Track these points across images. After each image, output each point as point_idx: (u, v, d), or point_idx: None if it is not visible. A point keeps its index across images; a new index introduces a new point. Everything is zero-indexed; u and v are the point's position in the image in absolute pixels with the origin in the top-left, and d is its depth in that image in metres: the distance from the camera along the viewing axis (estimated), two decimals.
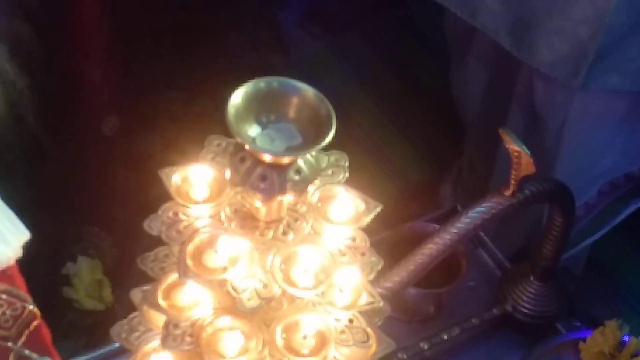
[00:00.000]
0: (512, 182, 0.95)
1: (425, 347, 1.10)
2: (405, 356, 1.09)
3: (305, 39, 2.08)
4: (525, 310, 1.14)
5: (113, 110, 1.28)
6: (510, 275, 1.17)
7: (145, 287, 0.88)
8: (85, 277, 1.34)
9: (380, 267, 0.84)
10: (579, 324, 1.16)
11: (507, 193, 0.96)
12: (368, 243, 0.80)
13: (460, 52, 1.62)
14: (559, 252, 1.10)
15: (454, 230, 0.97)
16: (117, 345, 1.15)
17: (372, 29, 2.16)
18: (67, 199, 1.23)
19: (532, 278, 1.14)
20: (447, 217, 1.06)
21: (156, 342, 0.89)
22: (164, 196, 0.86)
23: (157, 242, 0.90)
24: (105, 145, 1.31)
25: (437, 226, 1.07)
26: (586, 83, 1.31)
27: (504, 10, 1.36)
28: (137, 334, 0.89)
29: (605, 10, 1.24)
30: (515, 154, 0.92)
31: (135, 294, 0.90)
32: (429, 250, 0.98)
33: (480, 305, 1.18)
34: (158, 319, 0.89)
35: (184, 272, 0.77)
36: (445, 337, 1.11)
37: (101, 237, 1.38)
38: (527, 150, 0.92)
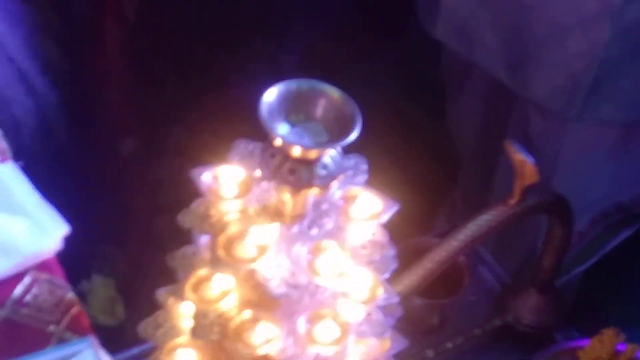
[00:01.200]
0: (517, 191, 1.01)
1: (431, 355, 1.15)
2: None
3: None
4: (526, 321, 1.20)
5: (130, 132, 1.34)
6: (511, 287, 1.23)
7: (170, 287, 0.94)
8: (99, 294, 1.39)
9: (394, 266, 0.90)
10: (576, 335, 1.22)
11: (512, 202, 1.02)
12: (387, 238, 0.86)
13: (457, 87, 1.69)
14: (558, 263, 1.15)
15: (461, 237, 1.03)
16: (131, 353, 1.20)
17: (368, 70, 2.24)
18: (84, 216, 1.28)
19: (532, 290, 1.19)
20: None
21: (181, 339, 0.94)
22: (174, 221, 0.92)
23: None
24: (122, 165, 1.36)
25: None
26: (581, 114, 1.38)
27: (501, 47, 1.43)
28: (163, 330, 0.94)
29: (599, 44, 1.31)
30: (520, 163, 0.98)
31: (161, 294, 0.95)
32: (438, 256, 1.04)
33: (482, 318, 1.23)
34: (183, 316, 0.94)
35: (216, 262, 0.82)
36: (450, 345, 1.16)
37: (115, 256, 1.42)
38: (531, 159, 0.98)
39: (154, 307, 0.97)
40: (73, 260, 1.37)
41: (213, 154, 0.90)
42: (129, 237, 1.46)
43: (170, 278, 0.94)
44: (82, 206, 1.32)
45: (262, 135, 0.85)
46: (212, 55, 1.59)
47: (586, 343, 1.14)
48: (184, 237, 0.93)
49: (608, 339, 1.11)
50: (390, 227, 0.89)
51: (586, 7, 1.28)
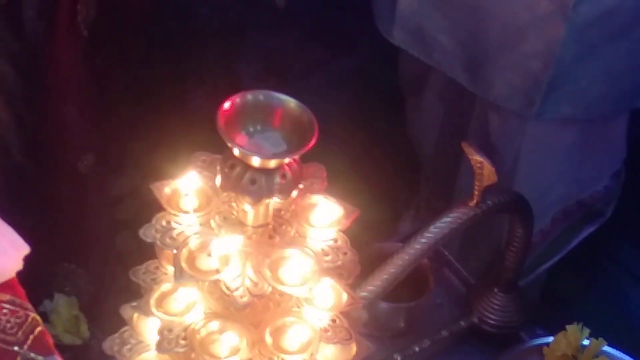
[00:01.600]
0: (476, 192, 1.02)
1: (398, 358, 1.16)
2: None
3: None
4: (491, 321, 1.21)
5: (88, 149, 1.33)
6: (475, 288, 1.24)
7: (134, 303, 0.93)
8: (62, 314, 1.37)
9: (357, 271, 0.90)
10: (541, 332, 1.23)
11: (471, 203, 1.03)
12: (349, 244, 0.86)
13: (416, 92, 1.70)
14: (521, 263, 1.16)
15: (423, 240, 1.04)
16: None
17: (325, 80, 2.24)
18: (44, 236, 1.27)
19: (496, 290, 1.20)
20: None
21: (147, 354, 0.94)
22: (136, 237, 0.91)
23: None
24: (82, 183, 1.35)
25: None
26: (540, 113, 1.39)
27: (458, 49, 1.44)
28: (129, 346, 0.94)
29: (555, 43, 1.32)
30: (478, 164, 0.99)
31: (125, 310, 0.95)
32: (401, 260, 1.05)
33: (448, 321, 1.24)
34: (148, 331, 0.93)
35: (180, 275, 0.82)
36: (417, 348, 1.17)
37: (77, 274, 1.41)
38: (488, 161, 0.99)
39: (118, 324, 0.96)
40: (34, 280, 1.35)
41: (173, 167, 0.90)
42: (90, 255, 1.44)
43: (134, 294, 0.94)
44: (42, 225, 1.31)
45: (221, 146, 0.85)
46: (169, 68, 1.59)
47: (551, 340, 1.15)
48: (146, 253, 0.93)
49: (572, 335, 1.13)
50: (354, 234, 0.90)
51: (540, 7, 1.30)
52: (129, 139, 1.45)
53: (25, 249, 0.81)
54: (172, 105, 1.57)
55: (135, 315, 0.93)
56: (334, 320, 0.88)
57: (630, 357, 1.15)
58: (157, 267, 0.91)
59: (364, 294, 1.05)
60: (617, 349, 1.15)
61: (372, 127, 2.15)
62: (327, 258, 0.85)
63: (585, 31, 1.31)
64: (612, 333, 1.17)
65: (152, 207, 0.90)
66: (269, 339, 0.85)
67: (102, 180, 1.41)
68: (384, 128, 2.13)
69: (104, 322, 1.45)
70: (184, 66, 1.66)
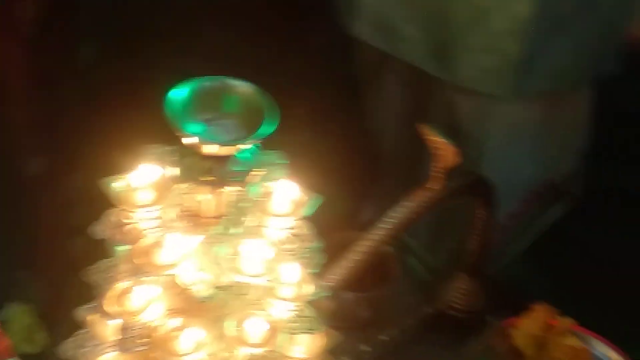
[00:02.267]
0: (434, 174, 1.00)
1: (366, 348, 1.14)
2: (347, 359, 1.12)
3: None
4: (457, 306, 1.19)
5: (35, 152, 1.29)
6: (439, 274, 1.23)
7: (89, 304, 0.90)
8: (17, 323, 1.33)
9: (322, 260, 0.88)
10: (509, 314, 1.22)
11: (431, 187, 1.02)
12: (312, 231, 0.84)
13: (374, 80, 1.68)
14: (484, 245, 1.15)
15: (385, 226, 1.02)
16: None
17: (281, 70, 2.22)
18: None
19: (460, 274, 1.19)
20: None
21: (106, 356, 0.90)
22: (90, 242, 0.89)
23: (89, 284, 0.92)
24: (32, 187, 1.32)
25: None
26: (515, 92, 1.38)
27: (423, 36, 1.43)
28: (85, 349, 0.90)
29: (524, 20, 1.31)
30: (435, 145, 0.98)
31: (80, 312, 0.91)
32: (364, 247, 1.03)
33: (414, 308, 1.22)
34: (105, 333, 0.90)
35: (134, 272, 0.79)
36: (384, 337, 1.15)
37: (31, 282, 1.37)
38: (450, 141, 0.97)
39: (76, 330, 0.93)
40: None
41: (124, 164, 0.87)
42: (44, 261, 1.41)
43: (91, 299, 0.90)
44: None
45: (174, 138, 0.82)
46: (120, 66, 1.55)
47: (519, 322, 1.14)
48: (101, 257, 0.89)
49: (539, 314, 1.12)
50: (316, 225, 0.88)
51: None
52: (81, 141, 1.41)
53: None
54: (124, 104, 1.53)
55: (91, 316, 0.90)
56: (299, 311, 0.86)
57: (598, 336, 1.14)
58: (110, 266, 0.87)
59: (327, 283, 1.03)
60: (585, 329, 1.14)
61: (330, 120, 2.14)
62: (288, 246, 0.82)
63: (552, 5, 1.30)
64: (582, 316, 1.16)
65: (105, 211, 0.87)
66: (231, 332, 0.83)
67: (53, 184, 1.37)
68: (342, 120, 2.11)
69: (62, 329, 1.41)
70: (135, 64, 1.63)
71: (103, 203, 0.88)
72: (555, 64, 1.37)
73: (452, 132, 1.47)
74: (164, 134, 0.84)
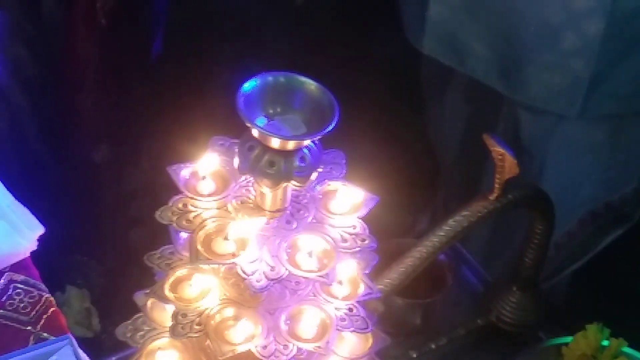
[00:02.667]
0: (497, 185, 1.00)
1: (414, 355, 1.14)
2: None
3: None
4: (509, 320, 1.19)
5: (104, 140, 1.32)
6: (493, 286, 1.22)
7: (148, 290, 0.92)
8: (74, 306, 1.36)
9: (376, 260, 0.89)
10: (561, 331, 1.21)
11: (492, 197, 1.02)
12: (367, 231, 0.84)
13: (438, 93, 1.68)
14: (541, 260, 1.14)
15: (441, 233, 1.02)
16: None
17: (348, 78, 2.23)
18: (57, 226, 1.26)
19: (514, 288, 1.18)
20: None
21: (161, 341, 0.92)
22: (149, 233, 0.90)
23: (144, 272, 0.94)
24: (96, 174, 1.35)
25: None
26: (583, 111, 1.37)
27: (492, 53, 1.42)
28: (142, 332, 0.92)
29: (595, 39, 1.30)
30: (500, 157, 0.98)
31: (139, 297, 0.94)
32: (419, 252, 1.03)
33: (465, 318, 1.22)
34: (162, 318, 0.92)
35: (196, 257, 0.80)
36: (433, 346, 1.15)
37: (89, 267, 1.40)
38: (510, 152, 0.97)
39: (130, 317, 0.95)
40: (46, 272, 1.35)
41: (190, 152, 0.89)
42: (103, 248, 1.44)
43: (146, 288, 0.92)
44: (55, 215, 1.30)
45: (239, 134, 0.84)
46: (186, 64, 1.58)
47: (570, 340, 1.13)
48: (159, 248, 0.91)
49: (592, 335, 1.11)
50: (374, 231, 0.88)
51: (576, 4, 1.28)
52: (145, 133, 1.44)
53: (39, 229, 0.80)
54: (189, 102, 1.56)
55: (149, 301, 0.92)
56: (350, 309, 0.86)
57: None
58: (172, 253, 0.89)
59: (380, 286, 1.03)
60: (637, 350, 1.13)
61: (392, 130, 2.14)
62: (345, 244, 0.83)
63: (625, 25, 1.29)
64: (633, 337, 1.15)
65: (165, 203, 0.89)
66: (284, 326, 0.84)
67: (117, 173, 1.40)
68: (404, 130, 2.12)
69: (116, 315, 1.43)
70: (201, 62, 1.65)
71: (164, 195, 0.90)
72: (623, 86, 1.35)
73: (514, 146, 1.48)
74: (231, 126, 0.86)
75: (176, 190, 0.85)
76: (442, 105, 1.68)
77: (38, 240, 0.91)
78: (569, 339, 1.13)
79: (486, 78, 1.46)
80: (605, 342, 1.12)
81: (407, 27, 1.58)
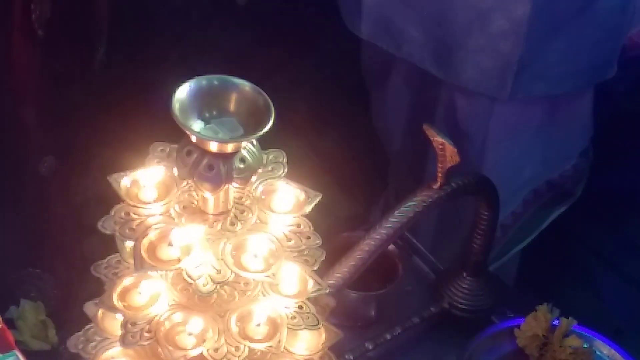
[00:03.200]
0: (439, 174, 1.01)
1: (370, 347, 1.15)
2: (351, 357, 1.13)
3: None
4: (461, 306, 1.20)
5: (49, 151, 1.31)
6: (444, 273, 1.23)
7: (97, 300, 0.92)
8: (29, 319, 1.35)
9: (323, 257, 0.89)
10: (512, 315, 1.22)
11: (435, 186, 1.03)
12: (312, 228, 0.85)
13: (379, 84, 1.70)
14: (488, 245, 1.16)
15: (389, 225, 1.03)
16: None
17: (288, 77, 2.24)
18: (8, 240, 1.25)
19: (464, 274, 1.20)
20: None
21: (113, 350, 0.92)
22: (103, 242, 0.90)
23: (99, 282, 0.94)
24: (44, 186, 1.34)
25: None
26: (513, 93, 1.40)
27: (426, 38, 1.44)
28: (94, 343, 0.92)
29: (522, 21, 1.33)
30: (440, 146, 0.99)
31: (89, 307, 0.93)
32: (367, 245, 1.04)
33: (419, 307, 1.23)
34: (113, 328, 0.92)
35: (140, 265, 0.80)
36: (388, 336, 1.16)
37: (43, 279, 1.39)
38: (450, 142, 0.99)
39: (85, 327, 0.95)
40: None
41: (133, 162, 0.89)
42: (56, 259, 1.42)
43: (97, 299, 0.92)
44: (5, 230, 1.29)
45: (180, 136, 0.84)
46: (129, 70, 1.57)
47: (521, 322, 1.15)
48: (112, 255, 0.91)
49: (542, 315, 1.13)
50: (324, 229, 0.89)
51: None
52: (93, 142, 1.43)
53: None
54: (134, 107, 1.55)
55: (100, 311, 0.91)
56: (300, 307, 0.87)
57: (600, 335, 1.15)
58: (118, 261, 0.89)
59: (331, 281, 1.04)
60: (587, 328, 1.15)
61: (338, 123, 2.15)
62: (290, 242, 0.84)
63: (550, 6, 1.31)
64: (582, 314, 1.17)
65: None
66: (234, 328, 0.84)
67: (66, 184, 1.39)
68: (350, 123, 2.13)
69: (73, 327, 1.42)
70: (144, 67, 1.65)
71: (114, 202, 0.90)
72: (554, 67, 1.38)
73: (453, 131, 1.49)
74: (171, 132, 0.86)
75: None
76: (385, 94, 1.69)
77: None
78: (520, 321, 1.15)
79: (421, 62, 1.48)
80: (556, 322, 1.14)
81: (344, 14, 1.59)
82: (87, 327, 0.93)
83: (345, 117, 2.07)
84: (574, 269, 1.85)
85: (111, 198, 0.91)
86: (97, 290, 0.94)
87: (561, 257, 1.83)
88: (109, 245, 0.92)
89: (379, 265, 1.14)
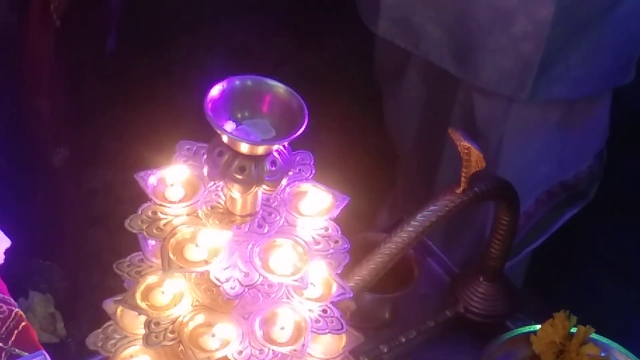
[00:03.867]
0: (463, 179, 1.00)
1: (385, 349, 1.14)
2: (366, 359, 1.13)
3: None
4: (477, 310, 1.20)
5: (62, 142, 1.30)
6: (460, 277, 1.23)
7: (118, 297, 0.90)
8: (38, 312, 1.34)
9: (347, 260, 0.89)
10: (527, 320, 1.22)
11: (458, 190, 1.02)
12: (340, 232, 0.84)
13: (393, 82, 1.69)
14: (506, 251, 1.15)
15: (410, 229, 1.02)
16: None
17: (296, 73, 2.22)
18: (18, 231, 1.24)
19: (481, 279, 1.19)
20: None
21: (132, 348, 0.91)
22: (109, 233, 0.89)
23: (110, 274, 0.93)
24: (56, 177, 1.33)
25: None
26: (533, 95, 1.39)
27: (445, 37, 1.43)
28: (113, 341, 0.91)
29: (545, 23, 1.32)
30: (466, 150, 0.98)
31: (108, 305, 0.92)
32: (388, 249, 1.03)
33: (433, 311, 1.22)
34: (133, 326, 0.91)
35: (168, 266, 0.79)
36: (403, 339, 1.16)
37: (51, 271, 1.39)
38: (476, 146, 0.98)
39: (94, 321, 0.94)
40: (8, 278, 1.33)
41: (155, 158, 0.87)
42: (65, 251, 1.42)
43: (109, 290, 0.91)
44: (15, 220, 1.28)
45: (200, 136, 0.83)
46: (140, 61, 1.56)
47: (538, 328, 1.15)
48: (119, 249, 0.90)
49: (560, 323, 1.12)
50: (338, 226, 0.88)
51: None
52: (103, 133, 1.42)
53: (5, 242, 0.78)
54: (144, 98, 1.54)
55: (119, 309, 0.90)
56: (324, 311, 0.86)
57: (616, 345, 1.14)
58: (141, 260, 0.88)
59: (351, 284, 1.03)
60: (604, 337, 1.14)
61: (346, 119, 2.14)
62: (318, 247, 0.83)
63: (573, 9, 1.31)
64: (588, 319, 1.17)
65: (125, 203, 0.87)
66: (259, 331, 0.83)
67: (77, 175, 1.38)
68: (359, 120, 2.12)
69: (80, 319, 1.42)
70: (154, 59, 1.64)
71: (124, 194, 0.89)
72: (574, 70, 1.37)
73: (469, 130, 1.48)
74: (196, 130, 0.85)
75: (138, 191, 0.84)
76: (398, 93, 1.68)
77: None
78: (536, 327, 1.14)
79: (440, 61, 1.47)
80: (573, 330, 1.13)
81: (361, 9, 1.58)
82: (106, 324, 0.92)
83: (355, 113, 2.06)
84: (583, 275, 1.84)
85: (119, 190, 0.90)
86: (104, 282, 0.93)
87: (570, 261, 1.83)
88: (116, 237, 0.91)
89: (394, 267, 1.13)
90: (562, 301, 1.17)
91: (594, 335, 1.13)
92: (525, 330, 1.15)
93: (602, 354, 1.11)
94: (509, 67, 1.37)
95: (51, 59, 1.23)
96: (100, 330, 0.92)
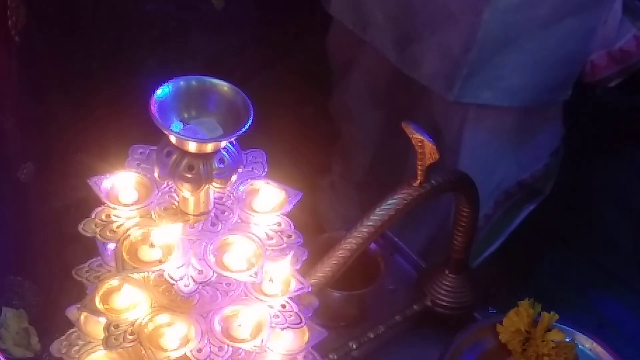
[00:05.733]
0: (419, 171, 1.01)
1: (354, 346, 1.15)
2: (335, 356, 1.14)
3: None
4: (444, 303, 1.21)
5: (28, 158, 1.31)
6: (426, 271, 1.24)
7: (79, 304, 0.91)
8: (11, 327, 1.35)
9: (305, 255, 0.90)
10: (494, 311, 1.23)
11: (415, 184, 1.03)
12: (293, 227, 0.85)
13: (344, 69, 1.70)
14: (469, 242, 1.16)
15: (370, 223, 1.03)
16: None
17: (268, 83, 2.23)
18: None
19: (447, 272, 1.20)
20: None
21: (97, 354, 0.92)
22: (84, 250, 0.90)
23: (82, 288, 0.94)
24: (23, 192, 1.33)
25: None
26: (460, 96, 1.41)
27: (391, 25, 1.45)
28: (77, 347, 0.92)
29: (478, 28, 1.34)
30: (419, 143, 0.99)
31: (71, 311, 0.93)
32: (349, 244, 1.04)
33: (402, 306, 1.23)
34: (96, 331, 0.92)
35: (122, 267, 0.80)
36: (372, 335, 1.17)
37: (24, 287, 1.39)
38: (429, 138, 0.99)
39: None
40: None
41: (112, 164, 0.88)
42: (37, 266, 1.42)
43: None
44: None
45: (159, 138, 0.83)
46: (108, 74, 1.57)
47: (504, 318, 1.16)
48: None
49: (524, 311, 1.13)
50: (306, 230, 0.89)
51: None
52: (72, 149, 1.43)
53: None
54: (113, 112, 1.55)
55: (82, 315, 0.91)
56: (283, 306, 0.87)
57: (582, 329, 1.16)
58: (100, 265, 0.89)
59: (314, 280, 1.04)
60: (569, 322, 1.15)
61: (303, 105, 2.15)
62: (272, 242, 0.84)
63: (506, 17, 1.32)
64: (563, 308, 1.18)
65: None
66: (218, 328, 0.84)
67: (45, 191, 1.39)
68: (313, 105, 2.12)
69: (55, 334, 1.42)
70: (123, 72, 1.64)
71: (94, 208, 0.90)
72: (505, 79, 1.39)
73: (430, 129, 1.50)
74: (150, 137, 0.86)
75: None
76: (347, 82, 1.69)
77: None
78: (503, 317, 1.15)
79: (383, 47, 1.49)
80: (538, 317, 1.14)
81: None
82: (69, 331, 0.93)
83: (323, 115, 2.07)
84: (553, 264, 1.86)
85: (91, 204, 0.90)
86: (79, 296, 0.93)
87: (540, 252, 1.84)
88: (90, 252, 0.92)
89: (361, 264, 1.14)
90: (535, 294, 1.18)
91: (558, 322, 1.14)
92: (492, 321, 1.16)
93: (567, 340, 1.12)
94: (441, 65, 1.38)
95: (13, 74, 1.24)
96: (64, 337, 0.93)
